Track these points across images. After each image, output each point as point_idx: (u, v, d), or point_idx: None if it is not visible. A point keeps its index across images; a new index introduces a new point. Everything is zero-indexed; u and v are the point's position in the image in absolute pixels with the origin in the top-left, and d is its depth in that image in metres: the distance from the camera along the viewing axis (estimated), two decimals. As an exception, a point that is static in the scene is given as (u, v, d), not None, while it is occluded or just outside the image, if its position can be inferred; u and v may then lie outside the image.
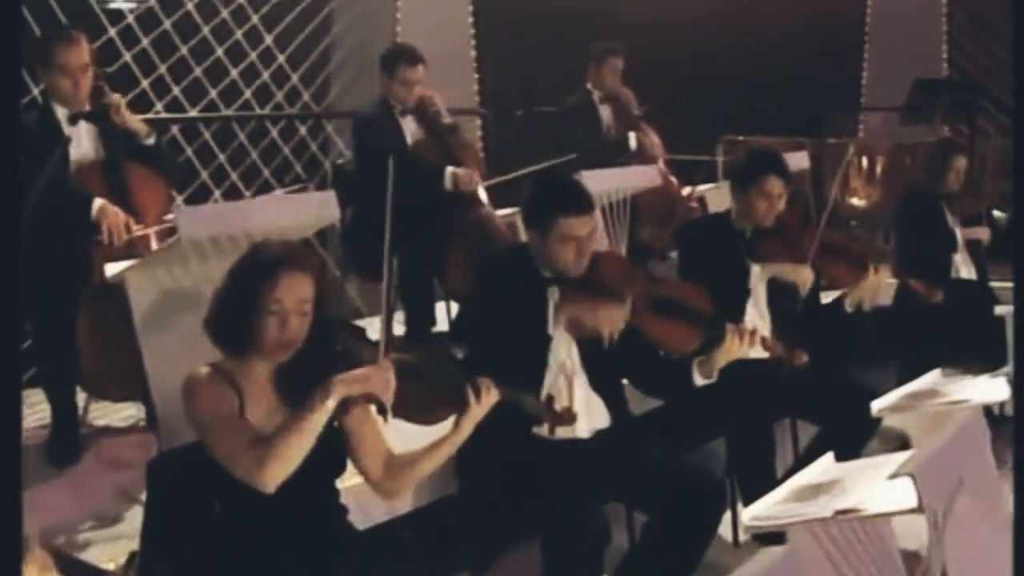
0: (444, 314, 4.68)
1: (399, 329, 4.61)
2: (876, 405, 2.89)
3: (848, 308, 3.60)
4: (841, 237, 3.72)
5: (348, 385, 2.12)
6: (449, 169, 4.45)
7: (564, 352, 2.90)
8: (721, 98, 7.08)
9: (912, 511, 1.91)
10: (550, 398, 2.63)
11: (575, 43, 5.76)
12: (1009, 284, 4.87)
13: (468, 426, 2.37)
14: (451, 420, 2.37)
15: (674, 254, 5.35)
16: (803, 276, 3.54)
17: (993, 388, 2.73)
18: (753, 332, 2.96)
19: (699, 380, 2.93)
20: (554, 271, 2.90)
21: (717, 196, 4.84)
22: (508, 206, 4.57)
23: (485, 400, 2.36)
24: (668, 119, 5.72)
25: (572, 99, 5.57)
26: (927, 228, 4.56)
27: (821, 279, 3.67)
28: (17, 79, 1.67)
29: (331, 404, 2.10)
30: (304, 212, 3.10)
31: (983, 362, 4.32)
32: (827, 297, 3.80)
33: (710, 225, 3.79)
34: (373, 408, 2.25)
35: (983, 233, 4.60)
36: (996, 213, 4.71)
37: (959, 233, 4.54)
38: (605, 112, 5.58)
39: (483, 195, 4.57)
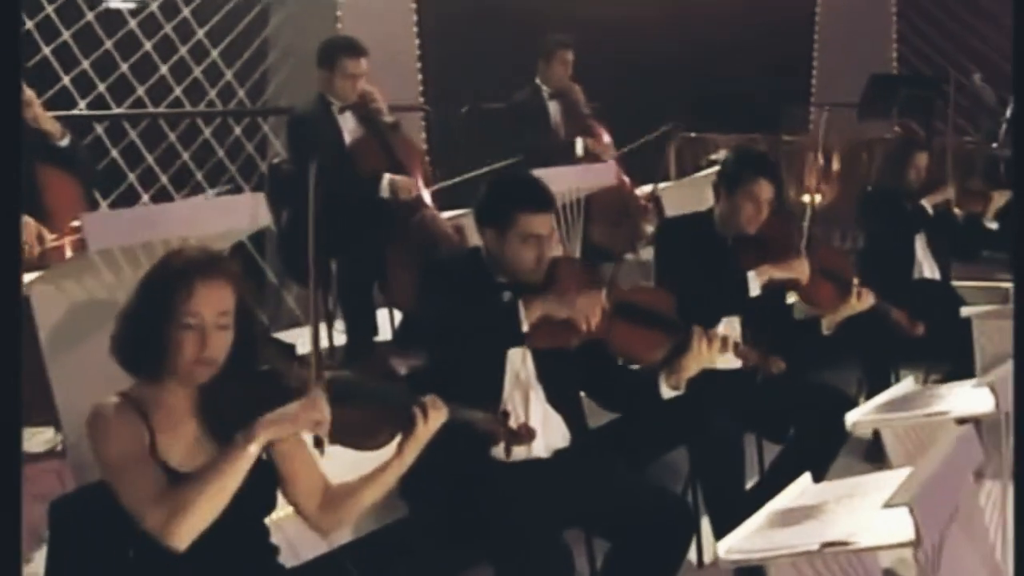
0: (387, 322, 4.47)
1: (339, 339, 4.43)
2: (850, 419, 2.73)
3: (825, 331, 3.43)
4: (827, 253, 3.56)
5: (275, 427, 1.91)
6: (387, 177, 4.24)
7: (519, 362, 2.71)
8: (672, 94, 6.96)
9: (908, 544, 1.73)
10: (504, 415, 2.42)
11: (524, 37, 5.63)
12: (972, 284, 4.82)
13: (413, 450, 2.16)
14: (395, 444, 2.16)
15: (630, 256, 5.27)
16: (799, 269, 3.36)
17: (975, 399, 2.57)
18: (724, 338, 2.77)
19: (667, 392, 2.74)
20: (510, 276, 2.72)
21: (672, 196, 4.68)
22: (454, 207, 4.41)
23: (432, 420, 2.16)
24: (618, 116, 5.61)
25: (520, 95, 5.43)
26: (888, 227, 4.43)
27: (800, 297, 3.51)
28: (18, 79, 1.51)
29: (254, 450, 1.88)
30: (230, 217, 2.84)
31: (949, 366, 4.27)
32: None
33: (691, 226, 3.57)
34: (306, 436, 2.05)
35: (947, 191, 4.40)
36: (957, 211, 4.57)
37: (927, 204, 4.37)
38: (554, 109, 5.44)
39: (427, 196, 4.39)
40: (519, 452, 2.61)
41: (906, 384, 2.97)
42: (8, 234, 1.50)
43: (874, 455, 3.88)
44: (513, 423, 2.41)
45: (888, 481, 1.99)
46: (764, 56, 7.78)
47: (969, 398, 2.60)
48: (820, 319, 3.47)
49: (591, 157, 5.22)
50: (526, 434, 2.40)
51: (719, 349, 2.73)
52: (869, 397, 4.25)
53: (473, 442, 2.57)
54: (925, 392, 2.87)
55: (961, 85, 6.70)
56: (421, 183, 4.37)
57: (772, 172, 3.44)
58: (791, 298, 3.68)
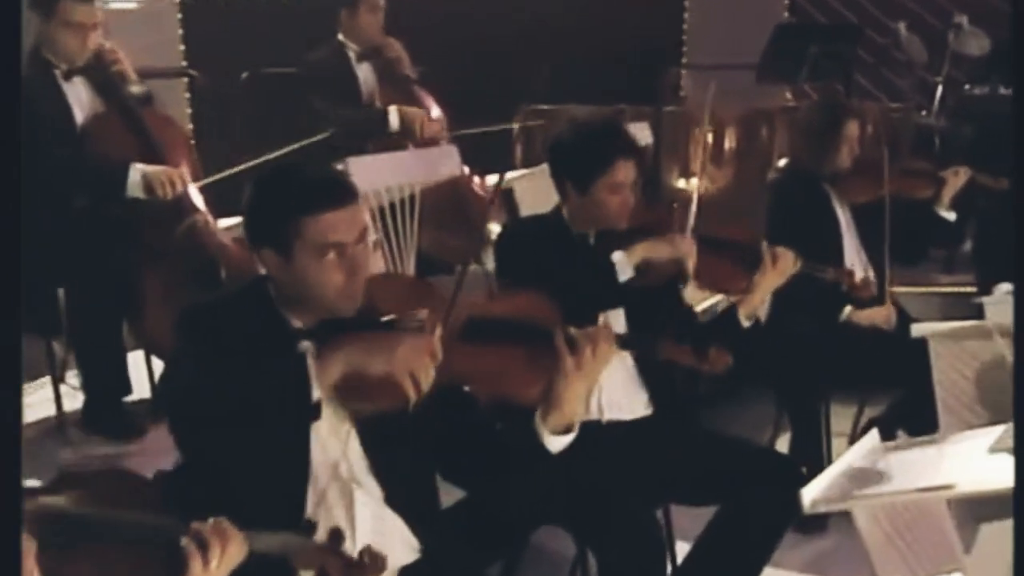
0: (143, 370, 4.14)
1: (73, 400, 4.04)
2: (807, 496, 2.39)
3: (744, 321, 3.24)
4: (720, 227, 3.47)
5: None
6: (137, 167, 3.89)
7: (336, 446, 2.27)
8: (519, 59, 6.82)
9: None
10: (337, 534, 1.97)
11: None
12: (918, 289, 4.65)
13: None
14: None
15: (473, 267, 4.95)
16: (683, 247, 3.21)
17: (986, 467, 2.25)
18: (599, 334, 2.35)
19: (553, 442, 2.33)
20: (309, 315, 2.28)
21: (528, 187, 4.43)
22: (234, 213, 3.94)
23: (218, 558, 1.75)
24: (452, 84, 5.40)
25: (317, 55, 5.21)
26: (808, 223, 4.17)
27: (698, 282, 3.37)
28: (17, 68, 1.69)
29: None
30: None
31: (890, 398, 4.07)
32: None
33: (538, 229, 3.32)
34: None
35: (883, 316, 4.07)
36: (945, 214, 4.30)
37: (847, 311, 4.10)
38: (364, 72, 5.26)
39: (196, 197, 4.05)
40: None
41: (869, 441, 2.67)
42: (8, 232, 1.60)
43: (808, 525, 3.70)
44: (351, 548, 1.99)
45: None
46: (625, 10, 7.72)
47: (976, 465, 2.29)
48: (735, 309, 3.28)
49: (407, 136, 4.99)
50: (372, 564, 1.96)
51: (596, 359, 2.32)
52: (795, 438, 4.12)
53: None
54: (905, 455, 2.55)
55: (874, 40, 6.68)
56: (188, 177, 4.03)
57: (630, 147, 3.29)
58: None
